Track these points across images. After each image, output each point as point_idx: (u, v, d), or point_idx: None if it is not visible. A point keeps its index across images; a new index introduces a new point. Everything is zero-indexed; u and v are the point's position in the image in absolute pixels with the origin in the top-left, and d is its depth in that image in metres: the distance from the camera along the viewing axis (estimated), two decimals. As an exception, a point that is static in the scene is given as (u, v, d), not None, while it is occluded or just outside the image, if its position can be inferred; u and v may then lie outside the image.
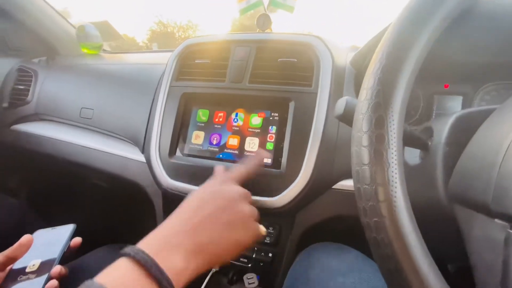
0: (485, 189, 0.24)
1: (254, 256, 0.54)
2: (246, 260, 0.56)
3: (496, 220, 0.23)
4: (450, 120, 0.34)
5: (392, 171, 0.21)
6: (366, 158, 0.22)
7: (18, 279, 0.36)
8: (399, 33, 0.23)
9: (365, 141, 0.22)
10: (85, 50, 0.95)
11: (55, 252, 0.40)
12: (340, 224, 0.52)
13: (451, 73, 0.55)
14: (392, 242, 0.20)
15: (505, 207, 0.22)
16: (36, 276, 0.37)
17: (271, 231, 0.52)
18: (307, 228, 0.50)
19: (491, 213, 0.23)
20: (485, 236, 0.25)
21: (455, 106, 0.56)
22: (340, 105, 0.29)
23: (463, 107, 0.55)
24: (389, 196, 0.21)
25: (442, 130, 0.35)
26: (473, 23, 0.44)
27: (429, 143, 0.36)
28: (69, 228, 0.44)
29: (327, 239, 0.49)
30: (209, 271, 0.63)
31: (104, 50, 1.05)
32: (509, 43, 0.47)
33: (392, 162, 0.21)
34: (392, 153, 0.21)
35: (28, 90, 0.80)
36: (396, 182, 0.21)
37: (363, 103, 0.23)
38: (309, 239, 0.50)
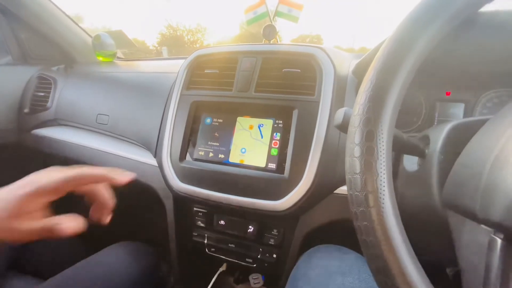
0: (473, 196, 0.26)
1: (259, 256, 0.57)
2: (251, 261, 0.58)
3: (482, 225, 0.25)
4: (446, 130, 0.36)
5: (381, 180, 0.23)
6: (357, 167, 0.24)
7: None
8: (388, 54, 0.25)
9: (356, 152, 0.24)
10: (100, 58, 1.01)
11: None
12: (342, 227, 0.54)
13: (453, 80, 0.56)
14: (380, 244, 0.22)
15: (489, 214, 0.24)
16: None
17: (275, 233, 0.54)
18: (310, 231, 0.52)
19: (477, 219, 0.25)
20: (472, 240, 0.27)
21: (457, 113, 0.57)
22: (339, 116, 0.32)
23: (465, 114, 0.57)
24: (378, 203, 0.23)
25: (438, 139, 0.36)
26: (473, 33, 0.46)
27: (426, 150, 0.38)
28: None
29: (329, 241, 0.51)
30: (216, 271, 0.66)
31: (118, 58, 1.10)
32: (509, 52, 0.48)
33: (381, 172, 0.23)
34: (381, 164, 0.23)
35: (48, 97, 0.85)
36: (384, 190, 0.23)
37: (355, 117, 0.25)
38: (312, 241, 0.52)
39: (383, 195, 0.23)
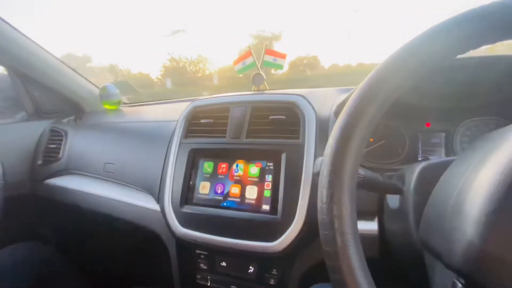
0: (440, 239, 0.29)
1: (260, 297, 0.58)
2: (253, 302, 0.59)
3: (447, 269, 0.27)
4: (416, 171, 0.39)
5: (345, 237, 0.26)
6: (327, 225, 0.27)
7: None
8: (342, 125, 0.29)
9: (324, 211, 0.28)
10: (106, 106, 1.09)
11: None
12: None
13: (430, 113, 0.60)
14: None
15: (451, 258, 0.26)
16: None
17: (275, 273, 0.56)
18: (307, 269, 0.53)
19: (443, 262, 0.28)
20: (442, 282, 0.29)
21: (439, 142, 0.60)
22: (317, 165, 0.35)
23: (446, 142, 0.60)
24: (346, 259, 0.26)
25: (411, 179, 0.39)
26: (436, 77, 0.50)
27: (404, 189, 0.41)
28: None
29: (328, 278, 0.53)
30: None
31: (124, 103, 1.18)
32: (471, 92, 0.53)
33: (346, 229, 0.26)
34: (345, 221, 0.27)
35: (59, 148, 0.92)
36: (350, 245, 0.26)
37: (321, 178, 0.29)
38: (311, 279, 0.54)
39: (349, 249, 0.26)
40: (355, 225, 0.27)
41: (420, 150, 0.61)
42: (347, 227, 0.27)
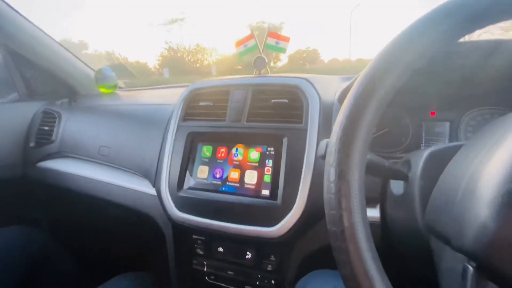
0: (449, 223, 0.28)
1: (258, 283, 0.57)
2: None
3: (457, 253, 0.26)
4: (424, 156, 0.38)
5: (353, 216, 0.25)
6: (334, 204, 0.26)
7: None
8: (353, 100, 0.27)
9: (332, 189, 0.26)
10: (102, 90, 1.05)
11: None
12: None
13: (435, 102, 0.59)
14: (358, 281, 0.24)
15: (462, 242, 0.25)
16: None
17: (273, 259, 0.55)
18: (306, 255, 0.53)
19: (453, 247, 0.27)
20: (450, 267, 0.28)
21: (443, 132, 0.59)
22: (322, 147, 0.34)
23: (451, 132, 0.59)
24: (353, 238, 0.25)
25: (417, 164, 0.38)
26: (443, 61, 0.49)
27: (409, 175, 0.40)
28: None
29: (327, 264, 0.52)
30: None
31: (120, 88, 1.15)
32: (478, 78, 0.51)
33: (354, 208, 0.25)
34: (353, 200, 0.25)
35: (53, 131, 0.89)
36: (358, 226, 0.25)
37: (329, 157, 0.27)
38: (310, 265, 0.53)
39: (357, 229, 0.25)
40: (363, 204, 0.26)
41: (423, 139, 0.60)
42: (355, 206, 0.25)
